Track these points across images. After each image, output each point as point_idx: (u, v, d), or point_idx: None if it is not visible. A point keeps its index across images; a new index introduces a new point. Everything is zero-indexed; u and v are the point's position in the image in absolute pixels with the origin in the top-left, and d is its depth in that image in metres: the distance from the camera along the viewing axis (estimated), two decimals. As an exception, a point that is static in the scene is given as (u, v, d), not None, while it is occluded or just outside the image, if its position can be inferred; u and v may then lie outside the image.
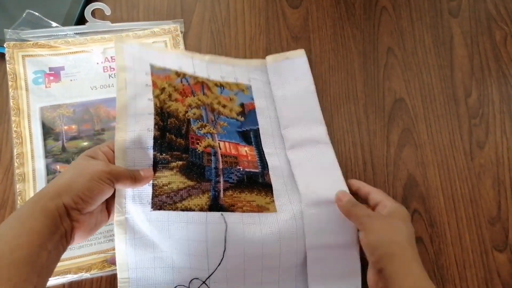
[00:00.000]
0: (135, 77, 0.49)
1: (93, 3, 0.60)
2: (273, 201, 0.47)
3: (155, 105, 0.48)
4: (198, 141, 0.49)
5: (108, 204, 0.43)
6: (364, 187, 0.48)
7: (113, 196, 0.43)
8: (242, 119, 0.53)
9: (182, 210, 0.44)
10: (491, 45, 0.60)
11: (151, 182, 0.45)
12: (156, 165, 0.45)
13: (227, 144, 0.51)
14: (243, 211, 0.46)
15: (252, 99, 0.55)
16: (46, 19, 0.56)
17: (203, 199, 0.45)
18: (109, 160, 0.43)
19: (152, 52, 0.53)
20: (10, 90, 0.53)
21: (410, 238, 0.40)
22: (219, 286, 0.44)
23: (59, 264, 0.46)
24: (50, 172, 0.50)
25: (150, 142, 0.46)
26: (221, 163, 0.49)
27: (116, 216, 0.43)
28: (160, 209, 0.44)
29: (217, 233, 0.44)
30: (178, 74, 0.53)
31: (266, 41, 0.60)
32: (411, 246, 0.40)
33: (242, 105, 0.54)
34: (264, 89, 0.56)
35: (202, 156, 0.48)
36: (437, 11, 0.63)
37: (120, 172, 0.41)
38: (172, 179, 0.45)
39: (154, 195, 0.44)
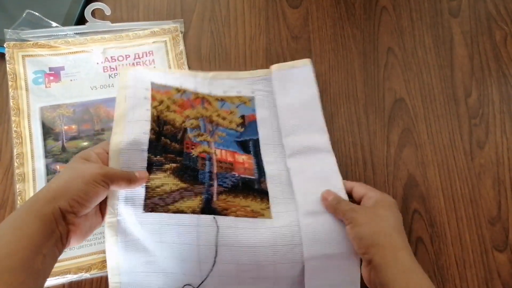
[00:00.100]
0: (135, 92, 0.50)
1: (93, 3, 0.60)
2: (268, 207, 0.47)
3: (152, 114, 0.49)
4: (193, 147, 0.50)
5: (102, 206, 0.43)
6: (346, 184, 0.48)
7: (106, 198, 0.43)
8: (242, 129, 0.53)
9: (174, 212, 0.44)
10: (491, 45, 0.60)
11: (143, 184, 0.45)
12: (150, 167, 0.46)
13: (223, 151, 0.51)
14: (237, 216, 0.45)
15: (254, 110, 0.55)
16: (46, 19, 0.56)
17: (196, 202, 0.45)
18: (103, 161, 0.43)
19: (155, 73, 0.54)
20: (10, 90, 0.53)
21: (396, 226, 0.41)
22: None
23: (59, 264, 0.47)
24: (50, 172, 0.50)
25: (145, 144, 0.46)
26: (215, 168, 0.49)
27: (107, 218, 0.43)
28: (152, 211, 0.44)
29: (208, 237, 0.43)
30: (178, 90, 0.53)
31: (266, 41, 0.60)
32: (397, 233, 0.40)
33: (242, 116, 0.54)
34: (268, 100, 0.55)
35: (197, 160, 0.49)
36: (437, 11, 0.63)
37: (115, 173, 0.41)
38: (165, 181, 0.46)
39: (147, 197, 0.44)
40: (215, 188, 0.47)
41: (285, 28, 0.61)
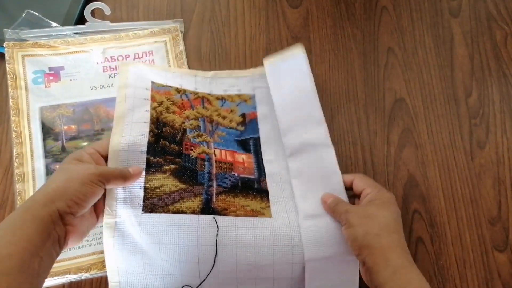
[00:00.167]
0: (135, 92, 0.50)
1: (92, 3, 0.60)
2: (268, 206, 0.47)
3: (152, 116, 0.49)
4: (192, 148, 0.50)
5: (96, 206, 0.43)
6: (346, 177, 0.47)
7: (101, 197, 0.43)
8: (242, 128, 0.53)
9: (174, 212, 0.44)
10: (492, 45, 0.60)
11: (142, 185, 0.45)
12: (149, 168, 0.46)
13: (223, 151, 0.51)
14: (237, 215, 0.45)
15: (255, 108, 0.55)
16: (45, 19, 0.56)
17: (195, 202, 0.45)
18: (95, 162, 0.43)
19: (155, 71, 0.54)
20: (9, 90, 0.53)
21: (387, 224, 0.40)
22: None
23: (59, 264, 0.47)
24: (50, 172, 0.50)
25: (144, 146, 0.47)
26: (214, 168, 0.49)
27: (105, 219, 0.43)
28: (151, 211, 0.44)
29: (208, 237, 0.43)
30: (178, 90, 0.53)
31: (266, 41, 0.60)
32: (387, 233, 0.39)
33: (243, 115, 0.54)
34: (268, 96, 0.54)
35: (196, 161, 0.49)
36: (438, 11, 0.63)
37: (110, 172, 0.41)
38: (164, 182, 0.46)
39: (146, 198, 0.44)
40: (214, 189, 0.47)
41: (285, 28, 0.61)
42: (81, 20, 0.59)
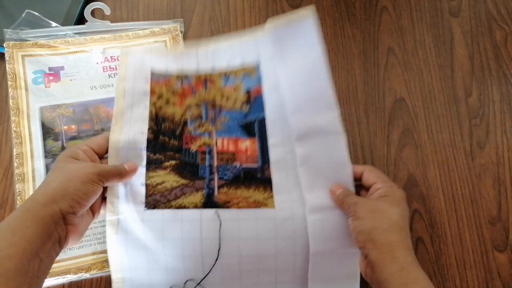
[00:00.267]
0: (133, 86, 0.50)
1: (92, 3, 0.60)
2: (271, 196, 0.46)
3: (151, 112, 0.49)
4: (192, 141, 0.49)
5: (91, 204, 0.43)
6: (356, 168, 0.45)
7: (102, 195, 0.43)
8: (247, 108, 0.50)
9: (176, 208, 0.44)
10: (492, 45, 0.60)
11: (144, 182, 0.45)
12: (150, 165, 0.46)
13: (225, 140, 0.49)
14: (239, 207, 0.45)
15: (260, 81, 0.50)
16: (45, 19, 0.56)
17: (197, 197, 0.45)
18: (90, 159, 0.43)
19: (154, 57, 0.52)
20: (9, 90, 0.53)
21: (397, 222, 0.39)
22: (215, 287, 0.44)
23: (59, 264, 0.47)
24: (50, 172, 0.50)
25: (144, 144, 0.47)
26: (216, 161, 0.48)
27: (107, 216, 0.43)
28: (154, 208, 0.44)
29: (211, 231, 0.44)
30: (179, 76, 0.52)
31: (266, 41, 0.60)
32: (397, 230, 0.39)
33: (248, 92, 0.51)
34: (274, 64, 0.50)
35: (196, 155, 0.48)
36: (438, 11, 0.62)
37: (109, 171, 0.42)
38: (165, 178, 0.46)
39: (148, 195, 0.45)
40: (215, 182, 0.47)
41: (285, 28, 0.61)
42: (81, 20, 0.59)
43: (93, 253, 0.48)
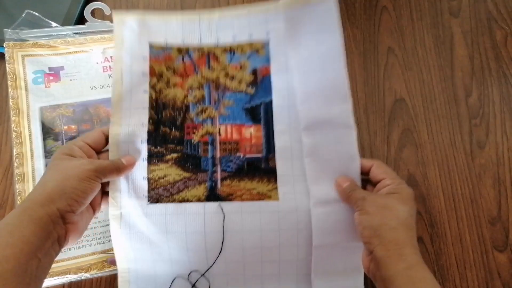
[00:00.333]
0: (131, 66, 0.47)
1: (92, 3, 0.60)
2: (276, 188, 0.45)
3: (150, 97, 0.47)
4: (194, 130, 0.47)
5: (91, 200, 0.42)
6: (364, 162, 0.44)
7: (102, 191, 0.43)
8: (253, 90, 0.47)
9: (180, 202, 0.44)
10: (492, 45, 0.60)
11: (145, 176, 0.45)
12: (151, 158, 0.46)
13: (228, 127, 0.47)
14: (242, 200, 0.45)
15: (268, 60, 0.47)
16: (45, 19, 0.56)
17: (200, 190, 0.45)
18: (86, 155, 0.42)
19: (153, 25, 0.48)
20: (9, 90, 0.53)
21: (405, 220, 0.39)
22: (219, 279, 0.45)
23: (59, 264, 0.47)
24: (50, 172, 0.50)
25: (144, 136, 0.46)
26: (218, 152, 0.47)
27: (110, 210, 0.44)
28: (157, 202, 0.44)
29: (215, 224, 0.44)
30: (180, 50, 0.48)
31: (266, 41, 0.60)
32: (405, 228, 0.38)
33: (254, 71, 0.48)
34: (284, 42, 0.47)
35: (198, 147, 0.47)
36: (438, 11, 0.62)
37: (106, 167, 0.41)
38: (167, 171, 0.46)
39: (150, 189, 0.45)
40: (218, 174, 0.46)
41: (285, 28, 0.61)
42: (81, 20, 0.59)
43: (93, 253, 0.48)
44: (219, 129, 0.47)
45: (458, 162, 0.54)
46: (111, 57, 0.56)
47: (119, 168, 0.43)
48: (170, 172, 0.45)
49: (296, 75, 0.45)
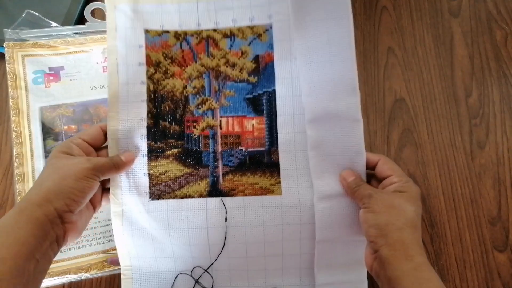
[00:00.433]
0: (126, 56, 0.45)
1: (92, 3, 0.60)
2: (279, 182, 0.44)
3: (148, 89, 0.45)
4: (195, 124, 0.46)
5: (91, 198, 0.42)
6: (370, 156, 0.43)
7: (102, 188, 0.43)
8: (255, 79, 0.46)
9: (181, 197, 0.44)
10: (492, 45, 0.60)
11: (146, 172, 0.44)
12: (151, 154, 0.45)
13: (230, 120, 0.46)
14: (245, 195, 0.44)
15: (271, 47, 0.45)
16: (45, 19, 0.56)
17: (202, 185, 0.45)
18: (85, 152, 0.41)
19: (148, 9, 0.46)
20: (9, 90, 0.53)
21: (412, 220, 0.38)
22: (222, 274, 0.45)
23: (59, 264, 0.47)
24: (50, 172, 0.50)
25: (144, 132, 0.45)
26: (220, 146, 0.46)
27: (112, 207, 0.43)
28: (158, 198, 0.44)
29: (217, 219, 0.43)
30: (177, 36, 0.46)
31: (266, 41, 0.60)
32: (411, 228, 0.38)
33: (256, 58, 0.46)
34: (289, 27, 0.44)
35: (199, 141, 0.46)
36: (438, 11, 0.62)
37: (103, 165, 0.40)
38: (168, 167, 0.45)
39: (151, 185, 0.44)
40: (220, 169, 0.46)
41: (285, 28, 0.61)
42: (81, 20, 0.59)
43: (93, 253, 0.48)
44: (220, 122, 0.46)
45: (458, 162, 0.54)
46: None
47: (118, 166, 0.42)
48: (171, 168, 0.45)
49: (301, 64, 0.43)
